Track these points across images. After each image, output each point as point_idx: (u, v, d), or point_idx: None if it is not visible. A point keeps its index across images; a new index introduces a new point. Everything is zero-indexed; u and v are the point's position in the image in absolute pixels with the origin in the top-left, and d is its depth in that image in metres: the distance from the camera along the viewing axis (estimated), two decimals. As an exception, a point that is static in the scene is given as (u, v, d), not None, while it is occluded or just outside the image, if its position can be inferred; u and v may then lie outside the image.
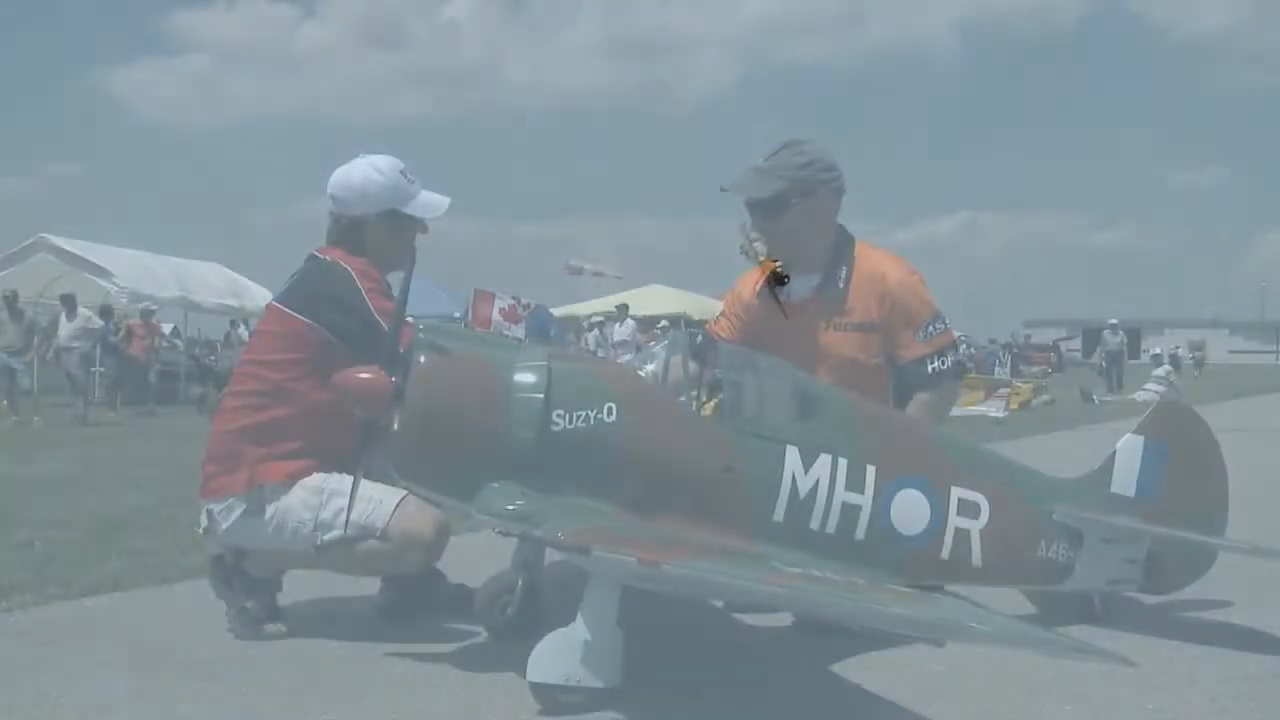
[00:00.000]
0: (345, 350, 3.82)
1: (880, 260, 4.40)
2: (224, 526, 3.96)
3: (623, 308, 24.54)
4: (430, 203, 4.22)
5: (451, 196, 4.27)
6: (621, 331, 23.66)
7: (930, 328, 4.33)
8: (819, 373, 4.24)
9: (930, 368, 4.32)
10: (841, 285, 4.33)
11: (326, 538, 3.82)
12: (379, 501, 3.76)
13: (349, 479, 3.81)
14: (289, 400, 3.93)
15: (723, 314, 4.76)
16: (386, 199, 4.10)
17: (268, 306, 4.28)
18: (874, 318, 4.29)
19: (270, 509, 3.86)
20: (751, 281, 4.58)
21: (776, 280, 4.41)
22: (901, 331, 4.30)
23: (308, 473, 3.89)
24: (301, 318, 3.97)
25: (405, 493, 3.79)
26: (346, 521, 3.72)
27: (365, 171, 4.11)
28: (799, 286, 4.41)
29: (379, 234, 4.11)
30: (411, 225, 4.18)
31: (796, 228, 4.32)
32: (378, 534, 3.79)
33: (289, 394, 3.93)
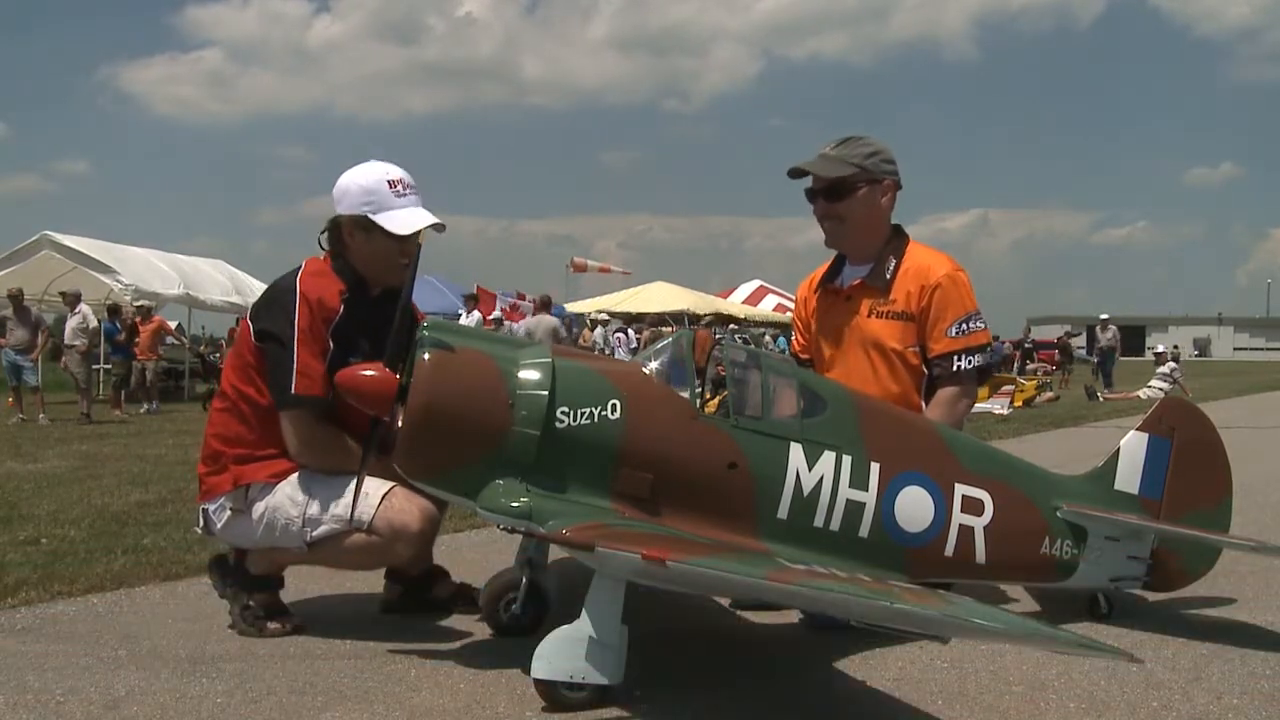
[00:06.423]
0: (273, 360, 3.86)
1: (929, 256, 4.52)
2: (218, 526, 3.98)
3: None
4: (402, 219, 3.96)
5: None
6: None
7: (965, 325, 4.39)
8: (859, 357, 4.44)
9: (957, 364, 4.36)
10: (889, 276, 4.47)
11: (315, 534, 3.82)
12: (365, 495, 3.74)
13: (334, 476, 3.82)
14: (253, 405, 3.95)
15: (794, 329, 5.03)
16: (359, 203, 3.98)
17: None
18: (913, 308, 4.40)
19: (258, 508, 3.88)
20: (809, 282, 4.87)
21: (833, 268, 4.71)
22: (935, 324, 4.38)
23: (290, 472, 3.90)
24: (249, 325, 4.00)
25: (392, 485, 3.79)
26: (351, 515, 3.72)
27: (355, 173, 4.04)
28: (850, 274, 4.62)
29: (354, 239, 4.03)
30: (384, 237, 3.97)
31: (858, 213, 4.49)
32: (365, 527, 3.78)
33: (252, 400, 3.95)
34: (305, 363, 3.82)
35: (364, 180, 4.00)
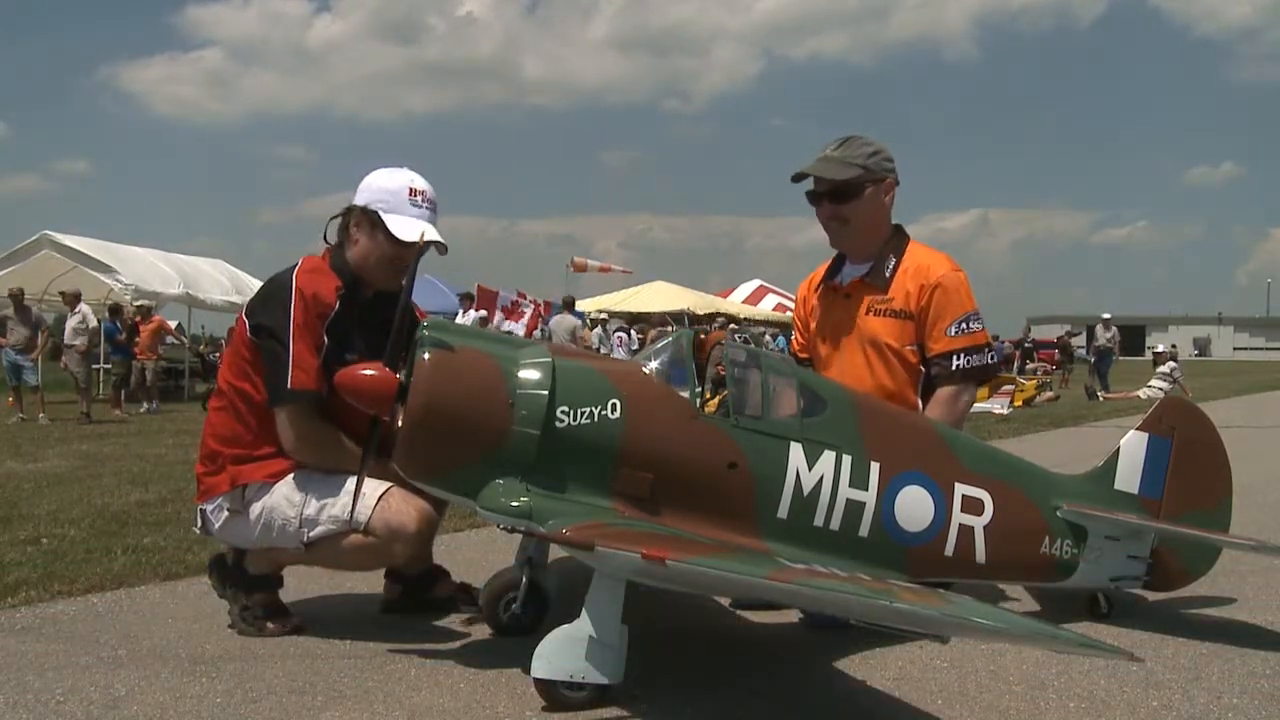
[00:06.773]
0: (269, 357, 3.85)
1: (928, 256, 4.52)
2: (216, 527, 3.98)
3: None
4: (406, 226, 3.97)
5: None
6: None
7: (964, 324, 4.39)
8: (856, 354, 4.44)
9: (956, 364, 4.36)
10: (888, 274, 4.48)
11: (312, 534, 3.82)
12: (362, 495, 3.73)
13: (330, 476, 3.82)
14: (249, 403, 3.94)
15: (794, 328, 5.05)
16: (374, 199, 4.03)
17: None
18: (912, 307, 4.40)
19: (256, 508, 3.88)
20: (809, 281, 4.88)
21: (833, 267, 4.72)
22: (935, 324, 4.38)
23: (287, 472, 3.90)
24: (245, 321, 3.99)
25: (389, 485, 3.79)
26: (350, 516, 3.72)
27: (383, 173, 4.10)
28: (850, 272, 4.64)
29: (359, 231, 4.04)
30: (385, 238, 3.98)
31: (863, 214, 4.51)
32: (362, 528, 3.78)
33: (248, 398, 3.95)
34: (301, 356, 3.82)
35: (387, 182, 4.06)
